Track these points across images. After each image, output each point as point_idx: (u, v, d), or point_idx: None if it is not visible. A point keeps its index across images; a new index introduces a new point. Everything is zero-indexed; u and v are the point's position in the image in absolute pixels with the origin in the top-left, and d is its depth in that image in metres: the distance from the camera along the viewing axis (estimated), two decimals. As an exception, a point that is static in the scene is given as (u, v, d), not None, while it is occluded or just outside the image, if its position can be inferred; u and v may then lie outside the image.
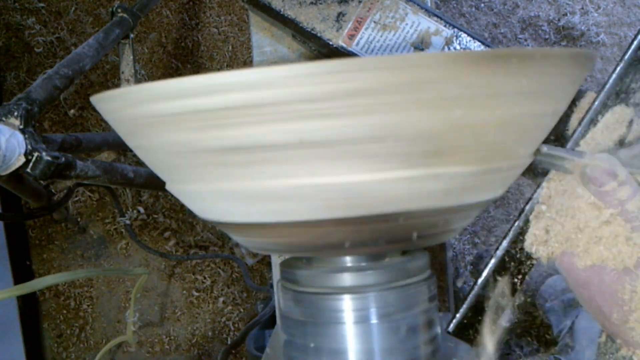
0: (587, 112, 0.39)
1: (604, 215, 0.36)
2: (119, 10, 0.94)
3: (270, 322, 1.04)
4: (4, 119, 0.58)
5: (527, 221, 0.39)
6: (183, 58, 1.44)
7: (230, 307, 1.37)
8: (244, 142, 0.29)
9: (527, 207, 0.39)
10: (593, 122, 0.39)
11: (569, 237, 0.37)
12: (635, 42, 0.39)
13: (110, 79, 1.41)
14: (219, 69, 1.42)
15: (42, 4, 1.42)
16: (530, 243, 0.39)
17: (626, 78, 0.39)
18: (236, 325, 1.37)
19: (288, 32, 0.51)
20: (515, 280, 0.39)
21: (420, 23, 0.48)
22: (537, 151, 0.37)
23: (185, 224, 1.39)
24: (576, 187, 0.37)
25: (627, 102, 0.39)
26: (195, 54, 1.44)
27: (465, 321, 0.40)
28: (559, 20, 1.43)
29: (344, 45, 0.49)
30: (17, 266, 1.31)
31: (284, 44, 0.60)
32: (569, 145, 0.39)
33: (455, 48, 0.48)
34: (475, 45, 0.48)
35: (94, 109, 0.38)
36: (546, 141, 0.37)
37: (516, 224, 0.39)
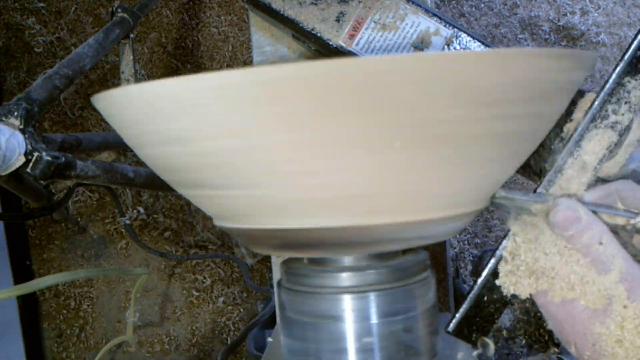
0: (587, 112, 0.39)
1: (570, 257, 0.36)
2: (119, 10, 0.94)
3: (270, 322, 1.03)
4: (4, 119, 0.58)
5: (500, 259, 0.39)
6: (183, 58, 1.44)
7: (230, 307, 1.37)
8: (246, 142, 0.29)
9: (500, 247, 0.39)
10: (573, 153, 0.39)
11: (542, 275, 0.37)
12: (635, 42, 0.38)
13: (110, 79, 1.41)
14: (219, 69, 1.42)
15: (42, 4, 1.42)
16: (504, 281, 0.39)
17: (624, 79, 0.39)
18: (236, 325, 1.37)
19: (288, 32, 0.51)
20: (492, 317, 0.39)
21: (420, 23, 0.48)
22: (494, 197, 0.37)
23: (186, 224, 1.39)
24: (543, 227, 0.37)
25: (625, 105, 0.39)
26: (195, 54, 1.44)
27: (465, 321, 0.40)
28: (559, 20, 1.43)
29: (344, 45, 0.49)
30: (17, 266, 1.31)
31: (284, 44, 0.60)
32: (556, 165, 0.39)
33: (455, 48, 0.48)
34: (475, 45, 0.48)
35: (94, 109, 0.38)
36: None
37: (492, 261, 0.39)
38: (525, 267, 0.38)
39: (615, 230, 0.37)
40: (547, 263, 0.37)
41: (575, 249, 0.36)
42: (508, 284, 0.38)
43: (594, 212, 0.37)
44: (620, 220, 0.37)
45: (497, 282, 0.39)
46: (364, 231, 0.32)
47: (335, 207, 0.31)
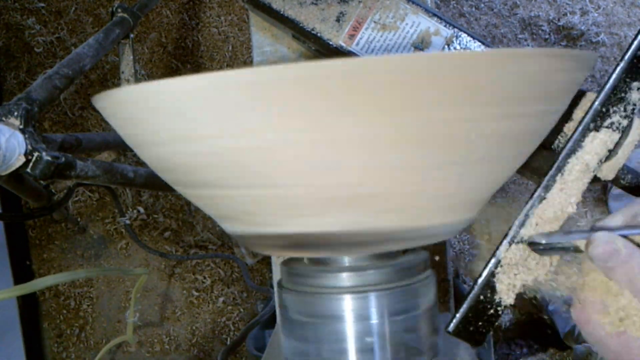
0: (587, 112, 0.39)
1: (614, 289, 0.35)
2: (119, 10, 0.94)
3: (270, 322, 1.03)
4: (4, 119, 0.58)
5: (499, 260, 0.39)
6: (183, 58, 1.44)
7: (230, 307, 1.37)
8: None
9: (500, 246, 0.39)
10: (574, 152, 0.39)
11: (583, 308, 0.37)
12: (635, 42, 0.38)
13: (110, 79, 1.41)
14: (219, 69, 1.42)
15: (42, 4, 1.42)
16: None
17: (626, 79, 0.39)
18: (236, 325, 1.37)
19: (288, 32, 0.51)
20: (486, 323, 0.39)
21: (420, 23, 0.48)
22: (534, 245, 0.37)
23: (186, 224, 1.39)
24: (585, 262, 0.37)
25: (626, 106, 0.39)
26: (195, 54, 1.44)
27: (465, 321, 0.40)
28: (559, 20, 1.43)
29: (344, 45, 0.49)
30: (17, 266, 1.31)
31: (284, 44, 0.60)
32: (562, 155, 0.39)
33: (455, 48, 0.48)
34: (475, 45, 0.48)
35: (94, 109, 0.38)
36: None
37: (492, 261, 0.39)
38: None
39: None
40: (596, 292, 0.36)
41: (619, 280, 0.35)
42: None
43: (628, 237, 0.36)
44: None
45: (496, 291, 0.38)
46: (370, 232, 0.32)
47: (341, 207, 0.31)
